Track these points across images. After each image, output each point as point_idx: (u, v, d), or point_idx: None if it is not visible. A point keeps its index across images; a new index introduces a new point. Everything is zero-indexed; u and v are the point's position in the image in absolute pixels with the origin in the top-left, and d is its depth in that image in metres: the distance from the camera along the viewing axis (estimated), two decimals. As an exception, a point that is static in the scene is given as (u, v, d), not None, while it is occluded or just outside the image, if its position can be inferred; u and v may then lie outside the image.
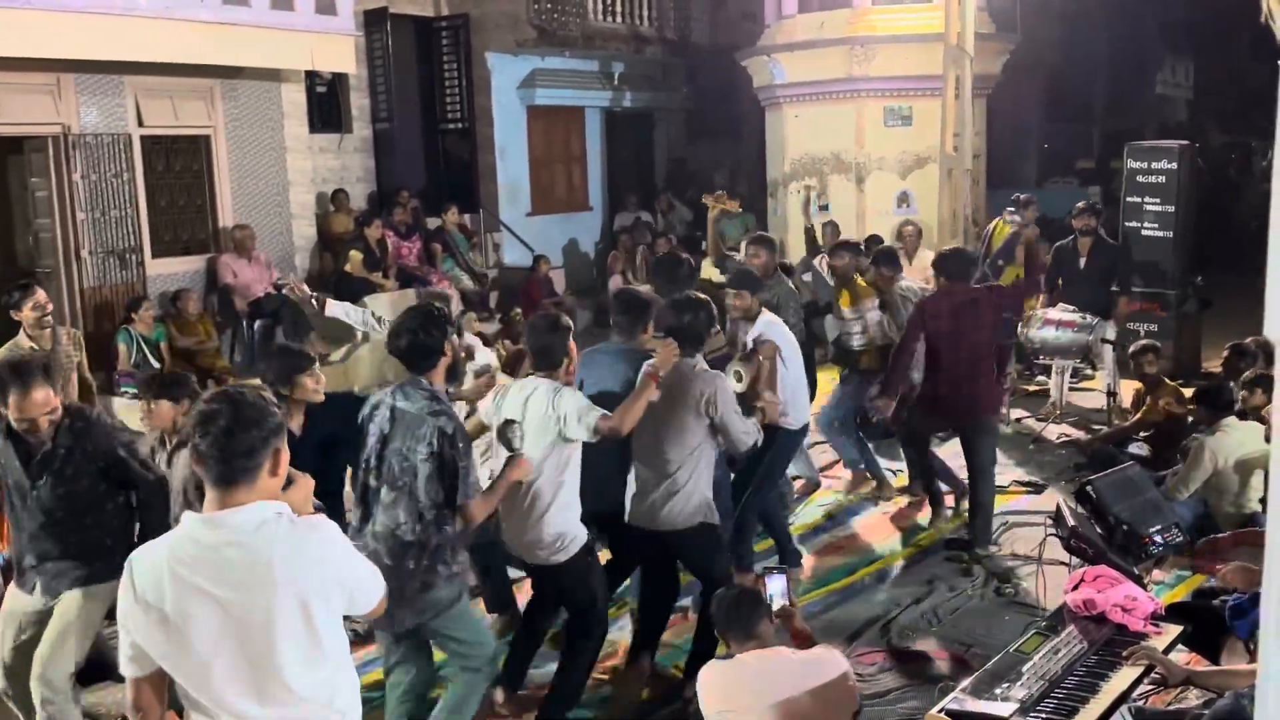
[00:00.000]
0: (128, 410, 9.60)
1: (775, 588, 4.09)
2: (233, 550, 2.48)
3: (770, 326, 5.81)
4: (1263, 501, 6.20)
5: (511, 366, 6.68)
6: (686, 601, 5.48)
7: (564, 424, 4.30)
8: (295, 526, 2.57)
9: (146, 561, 2.51)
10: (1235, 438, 6.30)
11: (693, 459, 4.65)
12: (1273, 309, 1.37)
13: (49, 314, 6.17)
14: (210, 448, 2.50)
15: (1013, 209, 9.67)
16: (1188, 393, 7.54)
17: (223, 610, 2.46)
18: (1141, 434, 7.78)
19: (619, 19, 16.04)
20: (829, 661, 3.77)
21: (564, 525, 4.41)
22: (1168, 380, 7.97)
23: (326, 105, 13.32)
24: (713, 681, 3.75)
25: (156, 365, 9.74)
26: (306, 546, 2.56)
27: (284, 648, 2.50)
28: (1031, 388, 10.17)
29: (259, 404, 2.57)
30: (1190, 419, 7.09)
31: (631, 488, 4.78)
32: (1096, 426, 8.97)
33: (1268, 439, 6.26)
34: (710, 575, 4.78)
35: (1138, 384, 8.15)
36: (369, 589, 2.73)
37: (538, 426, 4.34)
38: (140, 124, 10.56)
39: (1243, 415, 6.74)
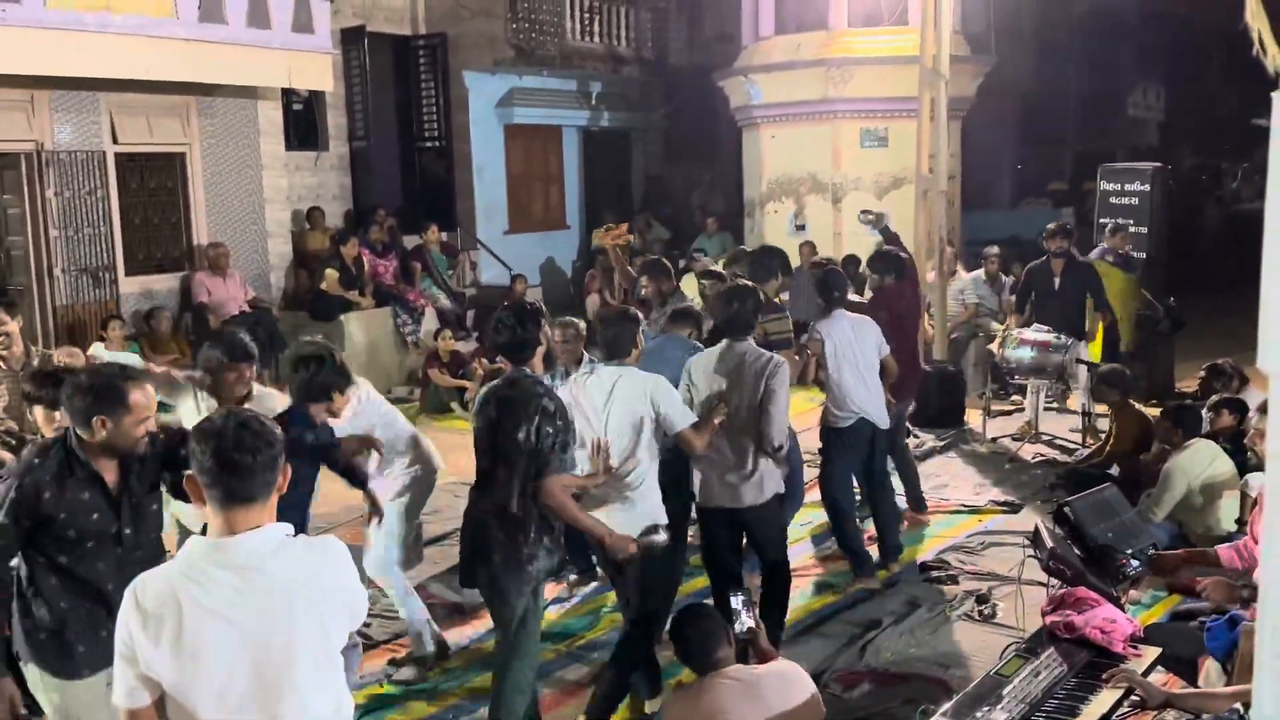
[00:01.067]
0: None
1: (738, 608, 4.04)
2: (252, 574, 2.43)
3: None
4: (1239, 522, 6.24)
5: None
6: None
7: (667, 423, 4.61)
8: (311, 548, 2.55)
9: (154, 588, 2.44)
10: (1203, 456, 6.35)
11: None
12: (1267, 341, 1.37)
13: (7, 334, 6.07)
14: (226, 467, 2.43)
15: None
16: (1154, 413, 7.60)
17: (240, 635, 2.41)
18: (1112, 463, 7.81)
19: (597, 39, 16.10)
20: (796, 684, 3.73)
21: (656, 505, 4.68)
22: (1132, 404, 8.00)
23: (303, 123, 13.28)
24: (679, 714, 3.71)
25: (129, 384, 9.65)
26: (324, 568, 2.53)
27: (302, 670, 2.47)
28: (1007, 407, 10.22)
29: (266, 423, 2.54)
30: (1158, 440, 7.10)
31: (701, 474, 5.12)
32: (1072, 446, 9.03)
33: (1239, 462, 6.31)
34: (775, 546, 5.24)
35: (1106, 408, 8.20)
36: (364, 605, 2.72)
37: (628, 409, 4.59)
38: (115, 141, 10.49)
39: (1212, 437, 6.80)
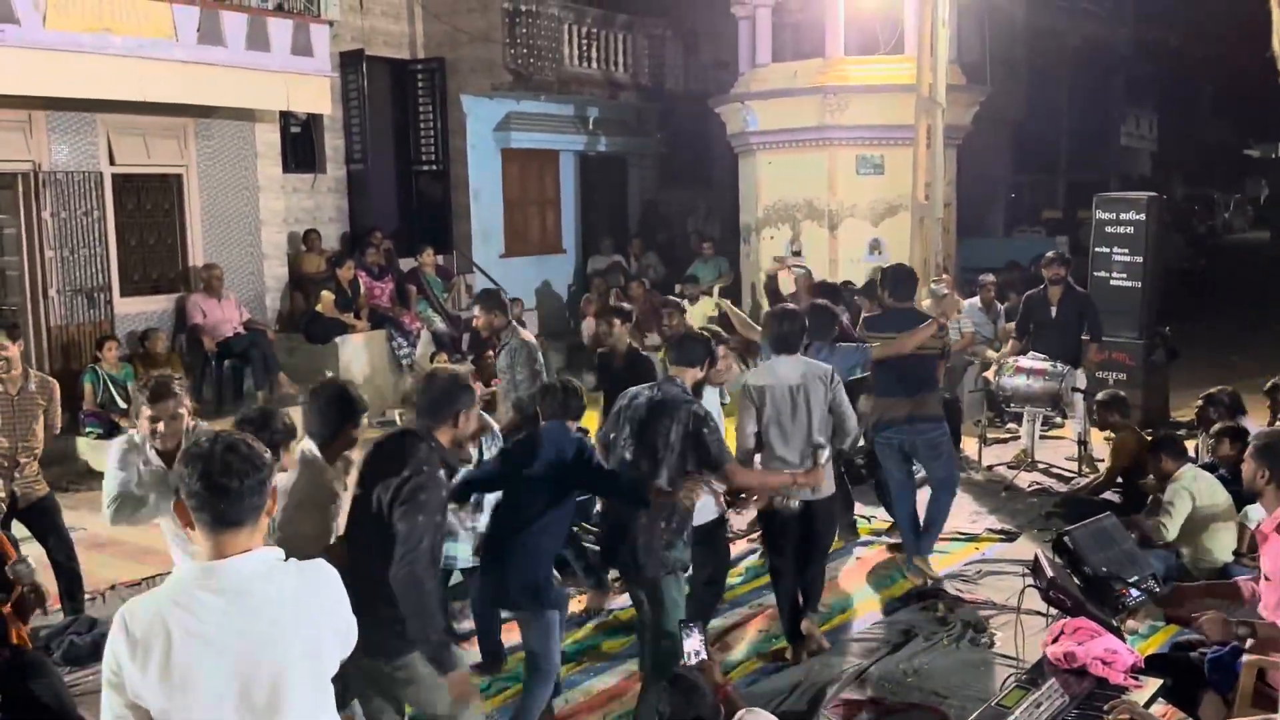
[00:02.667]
0: (91, 450, 9.47)
1: (692, 643, 3.98)
2: (243, 599, 2.40)
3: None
4: (1236, 554, 6.23)
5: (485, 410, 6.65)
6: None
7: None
8: (303, 572, 2.51)
9: (142, 615, 2.40)
10: (1198, 483, 6.35)
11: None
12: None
13: (7, 359, 6.02)
14: (214, 491, 2.40)
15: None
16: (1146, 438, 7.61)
17: (230, 661, 2.38)
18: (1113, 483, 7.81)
19: (594, 65, 16.17)
20: None
21: None
22: (1134, 429, 8.01)
23: (300, 145, 13.31)
24: None
25: (124, 406, 9.61)
26: (316, 593, 2.51)
27: (294, 697, 2.43)
28: (1003, 435, 10.21)
29: (254, 445, 2.51)
30: (1151, 466, 7.09)
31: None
32: (1068, 474, 9.02)
33: (1236, 491, 6.30)
34: (831, 533, 5.96)
35: (1108, 433, 8.20)
36: (354, 635, 2.67)
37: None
38: (112, 162, 10.49)
39: (1213, 467, 6.80)
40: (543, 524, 4.56)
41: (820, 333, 6.32)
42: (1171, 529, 6.28)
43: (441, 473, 3.82)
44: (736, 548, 7.19)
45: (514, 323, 6.96)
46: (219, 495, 2.40)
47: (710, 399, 5.57)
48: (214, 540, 2.43)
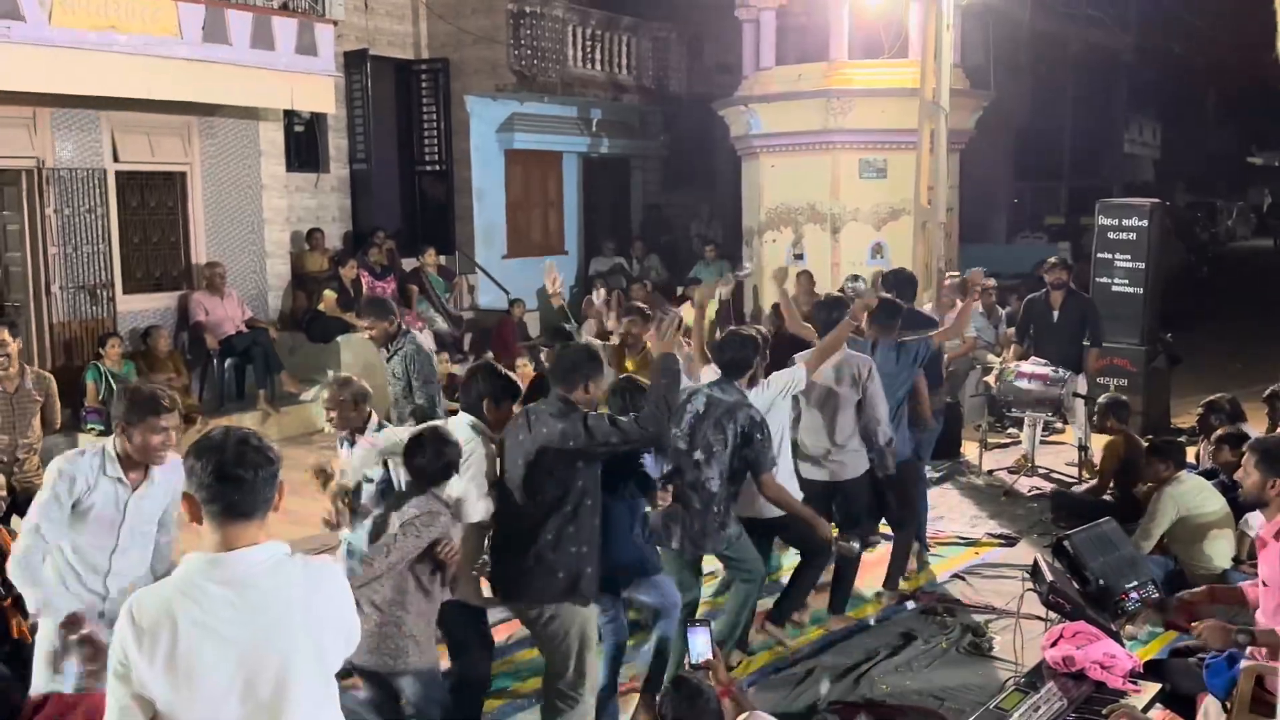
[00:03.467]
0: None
1: (698, 641, 3.98)
2: (250, 591, 2.41)
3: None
4: (1235, 560, 6.23)
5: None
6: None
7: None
8: (309, 567, 2.52)
9: (150, 604, 2.41)
10: (1192, 489, 6.35)
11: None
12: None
13: (7, 354, 6.03)
14: (227, 482, 2.42)
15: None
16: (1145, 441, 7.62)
17: (237, 652, 2.38)
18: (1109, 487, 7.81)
19: (598, 67, 16.19)
20: None
21: None
22: (1129, 430, 8.01)
23: (304, 144, 13.32)
24: None
25: (124, 402, 9.62)
26: (322, 588, 2.51)
27: (297, 691, 2.43)
28: (1004, 440, 10.21)
29: (265, 439, 2.53)
30: (1145, 471, 7.08)
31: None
32: (1069, 479, 9.03)
33: (1232, 498, 6.29)
34: (862, 512, 6.22)
35: (1106, 438, 8.21)
36: (357, 635, 2.68)
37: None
38: (116, 159, 10.50)
39: (1213, 474, 6.79)
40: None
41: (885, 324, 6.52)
42: (1150, 539, 6.26)
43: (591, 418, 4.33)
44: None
45: (410, 329, 6.63)
46: (233, 486, 2.42)
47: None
48: (223, 532, 2.44)
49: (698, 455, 5.20)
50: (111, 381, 9.61)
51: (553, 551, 4.22)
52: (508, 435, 4.46)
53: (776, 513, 5.51)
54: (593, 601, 4.39)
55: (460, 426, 4.57)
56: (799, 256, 13.50)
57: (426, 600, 4.19)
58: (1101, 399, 8.24)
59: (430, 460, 4.19)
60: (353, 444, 5.02)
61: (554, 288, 6.99)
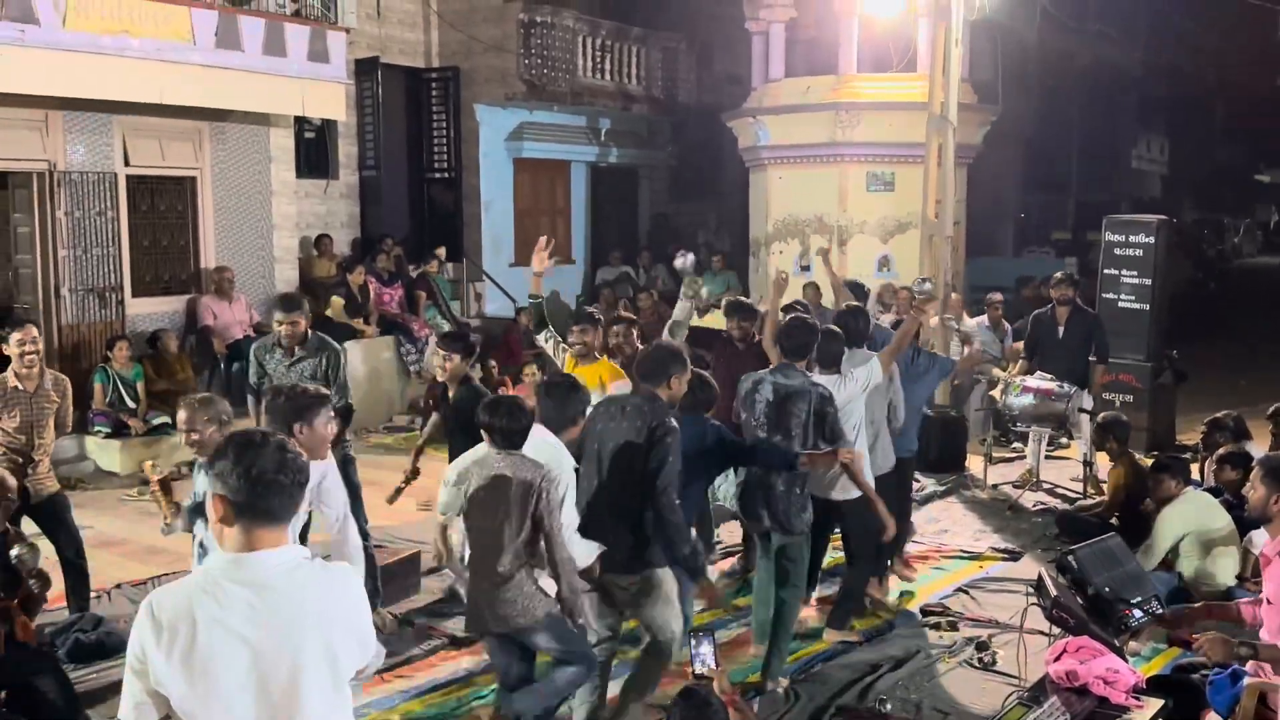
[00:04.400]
0: (100, 449, 9.51)
1: (701, 651, 3.98)
2: (269, 593, 2.42)
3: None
4: (1239, 578, 6.23)
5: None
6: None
7: None
8: (328, 572, 2.54)
9: (170, 602, 2.43)
10: (1197, 507, 6.35)
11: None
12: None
13: (32, 352, 6.05)
14: (265, 485, 2.43)
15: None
16: (1147, 462, 7.62)
17: (252, 653, 2.40)
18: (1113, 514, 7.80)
19: (608, 77, 16.24)
20: None
21: None
22: (1131, 453, 7.99)
23: (314, 151, 13.38)
24: None
25: (132, 405, 9.66)
26: (338, 594, 2.52)
27: (309, 695, 2.45)
28: (1009, 454, 10.21)
29: (296, 447, 2.55)
30: (1151, 489, 7.08)
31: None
32: (1073, 494, 9.03)
33: (1238, 516, 6.30)
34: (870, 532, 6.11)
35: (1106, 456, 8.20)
36: (372, 643, 2.68)
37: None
38: (127, 163, 10.55)
39: (1216, 491, 6.80)
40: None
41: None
42: (1155, 555, 6.27)
43: (673, 420, 4.68)
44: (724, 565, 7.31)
45: (315, 333, 6.43)
46: (273, 491, 2.44)
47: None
48: (250, 534, 2.45)
49: (777, 439, 5.46)
50: (119, 384, 9.66)
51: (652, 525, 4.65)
52: (598, 420, 4.82)
53: (844, 496, 5.87)
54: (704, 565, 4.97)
55: (545, 445, 4.64)
56: (805, 268, 13.53)
57: (536, 556, 4.48)
58: (1100, 417, 8.23)
59: (508, 423, 4.47)
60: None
61: (540, 266, 6.60)
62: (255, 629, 2.40)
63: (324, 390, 4.50)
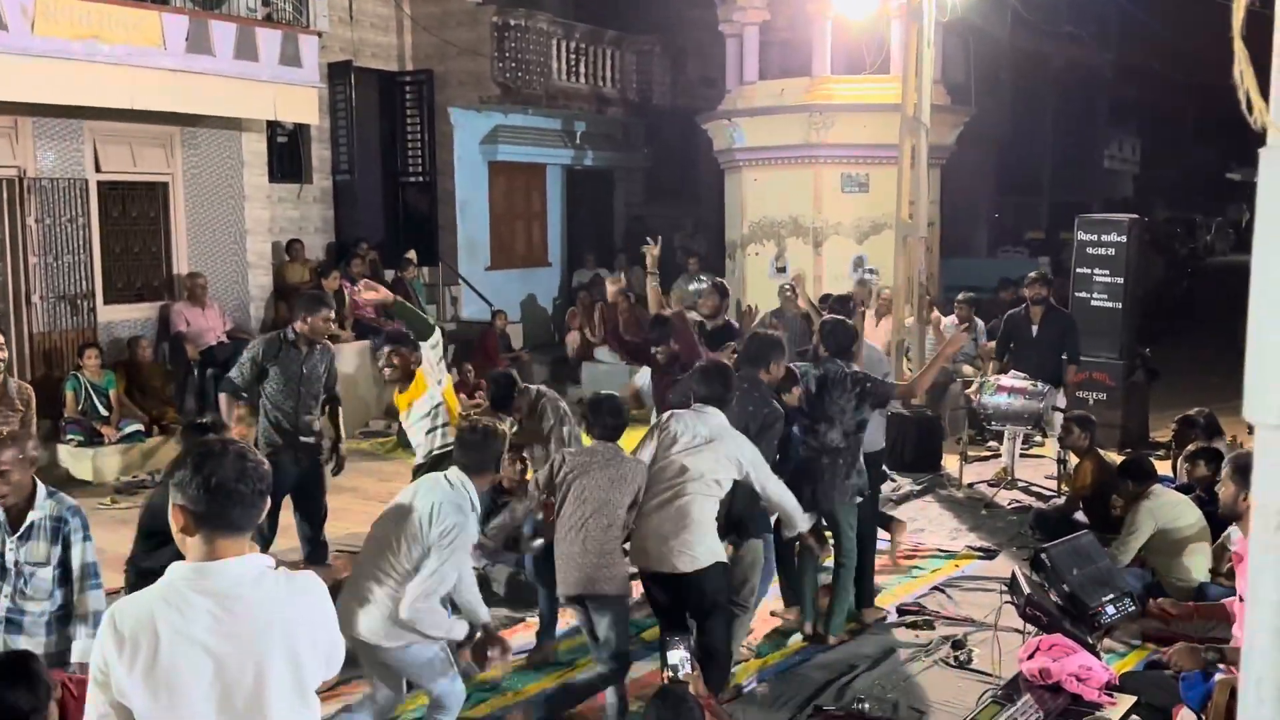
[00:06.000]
0: (72, 457, 9.43)
1: (676, 657, 3.98)
2: (232, 602, 2.40)
3: None
4: (1213, 572, 6.28)
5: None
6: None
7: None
8: (292, 582, 2.50)
9: (132, 613, 2.39)
10: (1169, 502, 6.39)
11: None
12: (1253, 393, 1.39)
13: (4, 359, 5.99)
14: (225, 495, 2.39)
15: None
16: (1117, 459, 7.67)
17: (215, 663, 2.37)
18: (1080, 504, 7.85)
19: (582, 79, 16.24)
20: None
21: None
22: (1096, 450, 8.04)
23: (287, 155, 13.30)
24: None
25: (105, 413, 9.58)
26: (303, 604, 2.50)
27: (274, 706, 2.42)
28: (984, 453, 10.26)
29: (256, 452, 2.52)
30: (1119, 486, 7.13)
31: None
32: (1048, 492, 9.08)
33: (1211, 513, 6.35)
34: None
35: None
36: (340, 655, 2.66)
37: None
38: (98, 169, 10.47)
39: (1188, 488, 6.85)
40: None
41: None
42: (1128, 552, 6.32)
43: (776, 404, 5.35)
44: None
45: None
46: (234, 501, 2.40)
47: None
48: (213, 544, 2.42)
49: (822, 423, 5.92)
50: (91, 392, 9.57)
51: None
52: (740, 404, 5.28)
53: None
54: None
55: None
56: (781, 270, 13.56)
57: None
58: (1066, 414, 8.30)
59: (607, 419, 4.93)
60: (12, 529, 4.00)
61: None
62: (218, 639, 2.37)
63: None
